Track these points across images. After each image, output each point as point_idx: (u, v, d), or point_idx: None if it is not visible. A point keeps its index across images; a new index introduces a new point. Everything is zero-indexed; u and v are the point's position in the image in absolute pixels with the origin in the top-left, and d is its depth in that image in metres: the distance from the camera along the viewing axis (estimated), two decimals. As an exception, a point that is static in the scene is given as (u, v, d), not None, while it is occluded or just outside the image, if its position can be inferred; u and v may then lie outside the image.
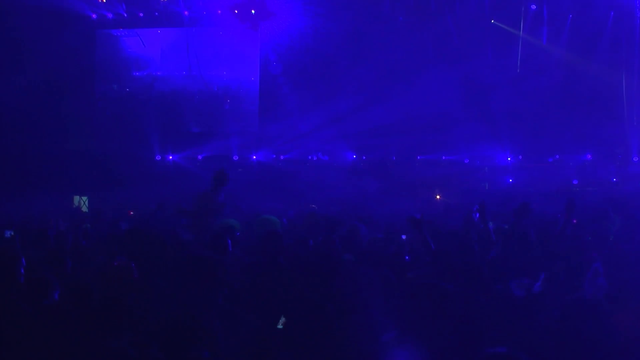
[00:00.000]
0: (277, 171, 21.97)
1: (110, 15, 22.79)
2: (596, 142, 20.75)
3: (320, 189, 19.89)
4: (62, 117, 22.62)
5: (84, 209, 20.53)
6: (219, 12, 22.17)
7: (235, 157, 22.60)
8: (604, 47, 20.49)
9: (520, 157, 21.70)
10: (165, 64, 23.40)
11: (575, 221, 10.98)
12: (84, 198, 21.28)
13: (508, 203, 14.27)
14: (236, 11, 22.07)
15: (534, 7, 20.65)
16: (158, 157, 22.95)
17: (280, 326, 5.20)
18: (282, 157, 22.48)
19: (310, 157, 22.34)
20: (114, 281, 5.51)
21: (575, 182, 20.99)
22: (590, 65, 20.37)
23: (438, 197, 20.68)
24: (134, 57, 23.66)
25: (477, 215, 11.80)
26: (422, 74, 20.72)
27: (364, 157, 22.27)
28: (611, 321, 4.73)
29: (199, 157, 22.71)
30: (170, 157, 22.87)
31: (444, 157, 21.75)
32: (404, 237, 9.97)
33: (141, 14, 22.69)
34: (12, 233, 8.42)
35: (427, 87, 20.70)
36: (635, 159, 20.94)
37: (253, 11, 22.06)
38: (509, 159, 21.65)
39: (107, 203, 17.31)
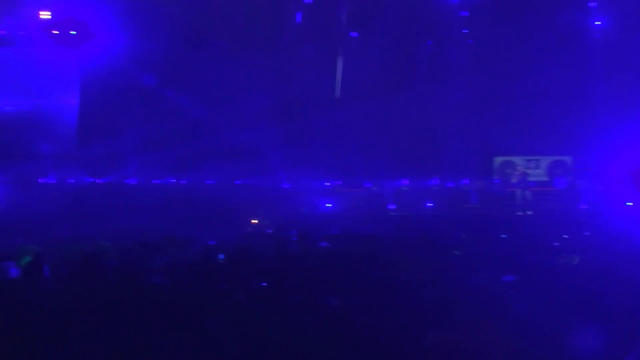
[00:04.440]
0: (93, 195, 21.42)
1: None
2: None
3: (137, 213, 19.53)
4: None
5: None
6: (38, 32, 21.57)
7: (53, 180, 21.92)
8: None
9: (340, 181, 22.08)
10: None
11: None
12: None
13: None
14: (56, 32, 21.59)
15: None
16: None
17: None
18: (98, 181, 21.95)
19: (127, 182, 21.91)
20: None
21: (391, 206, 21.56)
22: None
23: (253, 221, 20.68)
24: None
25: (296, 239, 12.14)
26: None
27: (183, 181, 22.05)
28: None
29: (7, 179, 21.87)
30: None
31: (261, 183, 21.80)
32: None
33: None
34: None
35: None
36: None
37: (73, 32, 21.66)
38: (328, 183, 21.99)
39: None
